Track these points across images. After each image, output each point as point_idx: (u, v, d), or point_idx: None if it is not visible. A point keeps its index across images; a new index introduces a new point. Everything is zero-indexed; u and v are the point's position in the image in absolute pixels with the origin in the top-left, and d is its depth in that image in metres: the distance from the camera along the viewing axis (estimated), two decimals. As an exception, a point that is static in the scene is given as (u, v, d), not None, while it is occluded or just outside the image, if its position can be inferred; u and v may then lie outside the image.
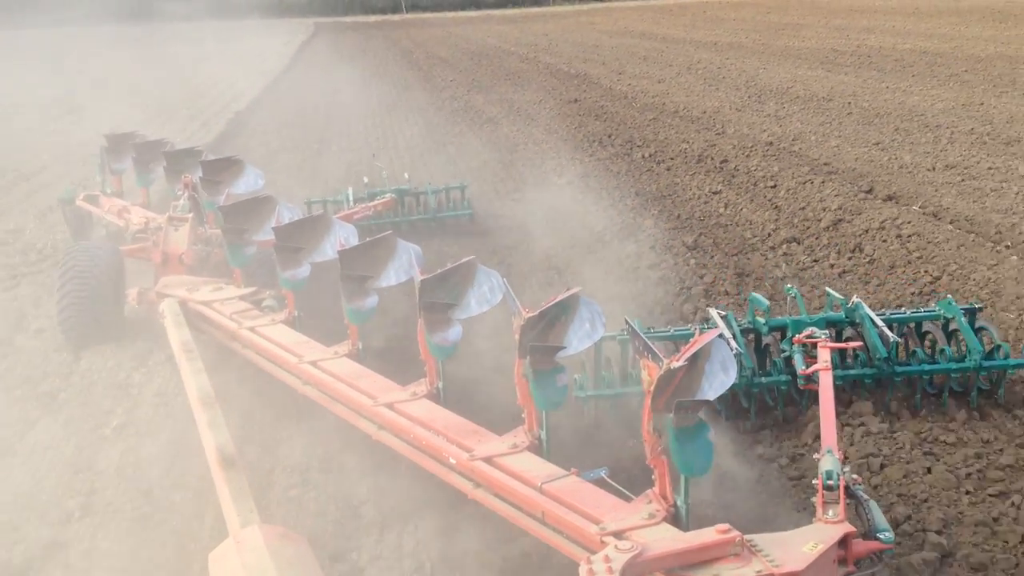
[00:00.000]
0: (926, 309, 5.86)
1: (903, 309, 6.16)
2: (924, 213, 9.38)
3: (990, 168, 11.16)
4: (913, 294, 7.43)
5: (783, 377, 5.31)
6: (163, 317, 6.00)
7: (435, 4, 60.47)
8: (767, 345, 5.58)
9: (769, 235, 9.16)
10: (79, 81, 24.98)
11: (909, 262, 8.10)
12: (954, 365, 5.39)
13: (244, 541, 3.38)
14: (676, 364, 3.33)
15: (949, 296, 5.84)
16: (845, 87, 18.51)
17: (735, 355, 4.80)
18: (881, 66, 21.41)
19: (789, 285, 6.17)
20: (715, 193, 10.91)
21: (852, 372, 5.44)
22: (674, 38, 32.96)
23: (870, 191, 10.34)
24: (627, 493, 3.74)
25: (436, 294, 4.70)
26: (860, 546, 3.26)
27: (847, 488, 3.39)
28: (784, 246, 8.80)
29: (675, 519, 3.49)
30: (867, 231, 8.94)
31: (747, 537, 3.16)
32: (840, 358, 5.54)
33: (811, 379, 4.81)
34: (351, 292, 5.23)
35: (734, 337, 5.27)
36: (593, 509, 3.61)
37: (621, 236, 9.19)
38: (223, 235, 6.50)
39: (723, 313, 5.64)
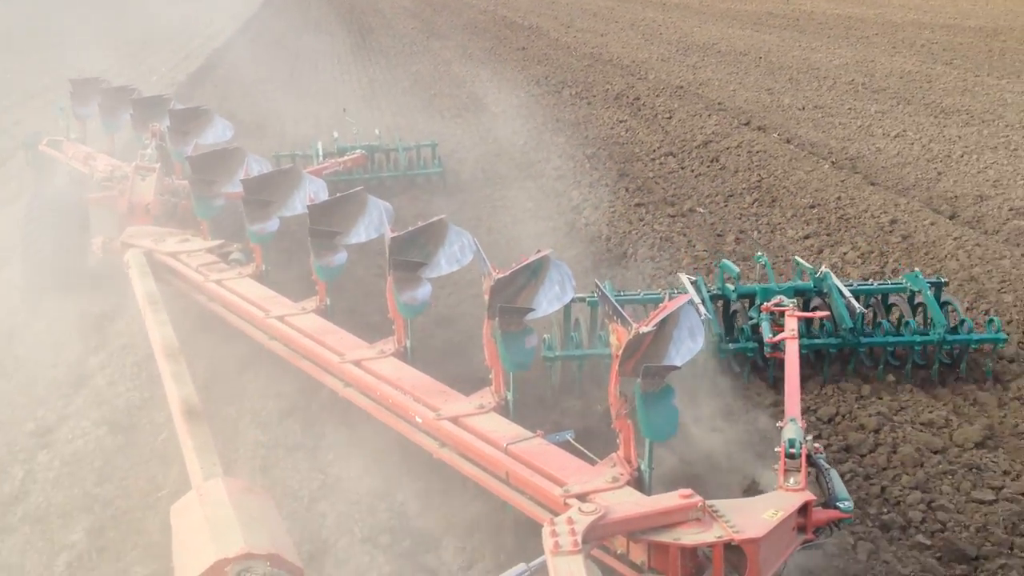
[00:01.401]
0: (893, 281, 5.92)
1: (870, 281, 6.22)
2: (780, 138, 11.82)
3: (850, 109, 13.46)
4: (744, 189, 9.67)
5: (750, 344, 5.34)
6: (128, 267, 5.90)
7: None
8: (735, 312, 5.61)
9: (653, 151, 11.37)
10: (59, 20, 25.11)
11: (749, 168, 10.42)
12: (918, 338, 5.44)
13: (207, 494, 3.34)
14: (644, 329, 3.33)
15: (917, 270, 5.89)
16: (763, 44, 20.06)
17: (703, 320, 4.83)
18: (804, 28, 22.82)
19: (759, 253, 6.18)
20: (621, 122, 13.02)
21: (818, 341, 5.47)
22: (626, -4, 33.45)
23: (747, 123, 12.70)
24: (592, 456, 3.75)
25: (406, 252, 4.66)
26: (820, 514, 3.29)
27: (809, 457, 3.42)
28: (661, 158, 11.05)
29: (638, 483, 3.51)
30: (727, 148, 11.31)
31: (708, 503, 3.18)
32: (806, 327, 5.57)
33: (777, 347, 4.84)
34: (320, 248, 5.17)
35: (703, 303, 5.29)
36: (558, 471, 3.62)
37: (537, 149, 11.27)
38: (190, 186, 6.38)
39: (693, 279, 5.65)
